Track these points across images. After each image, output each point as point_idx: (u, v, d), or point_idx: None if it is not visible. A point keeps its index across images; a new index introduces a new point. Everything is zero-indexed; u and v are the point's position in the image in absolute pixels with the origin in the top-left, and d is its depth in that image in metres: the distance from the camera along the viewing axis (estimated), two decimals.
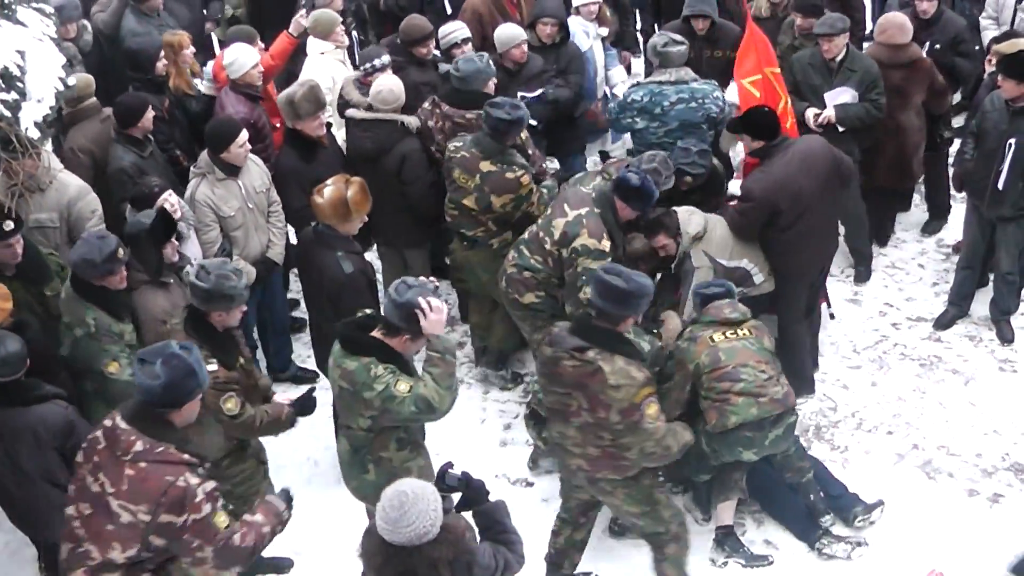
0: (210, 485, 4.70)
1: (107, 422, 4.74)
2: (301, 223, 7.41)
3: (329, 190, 6.51)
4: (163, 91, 8.15)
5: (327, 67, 8.71)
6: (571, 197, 6.92)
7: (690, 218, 7.04)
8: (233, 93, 8.13)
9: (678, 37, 8.10)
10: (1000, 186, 7.77)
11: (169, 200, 6.83)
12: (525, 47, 8.44)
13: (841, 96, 8.36)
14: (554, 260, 6.83)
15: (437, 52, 8.74)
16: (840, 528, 6.72)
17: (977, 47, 9.33)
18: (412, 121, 7.68)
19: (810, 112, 8.39)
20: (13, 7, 6.20)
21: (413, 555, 4.16)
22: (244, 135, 7.23)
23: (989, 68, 8.34)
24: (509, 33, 8.49)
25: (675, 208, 7.11)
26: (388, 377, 5.31)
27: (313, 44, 9.01)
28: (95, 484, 4.68)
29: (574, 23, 9.24)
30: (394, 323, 5.35)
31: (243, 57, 8.15)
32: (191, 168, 7.40)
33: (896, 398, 7.78)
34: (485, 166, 7.31)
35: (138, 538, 4.61)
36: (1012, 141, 7.64)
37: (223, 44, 8.94)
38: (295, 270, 8.18)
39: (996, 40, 8.62)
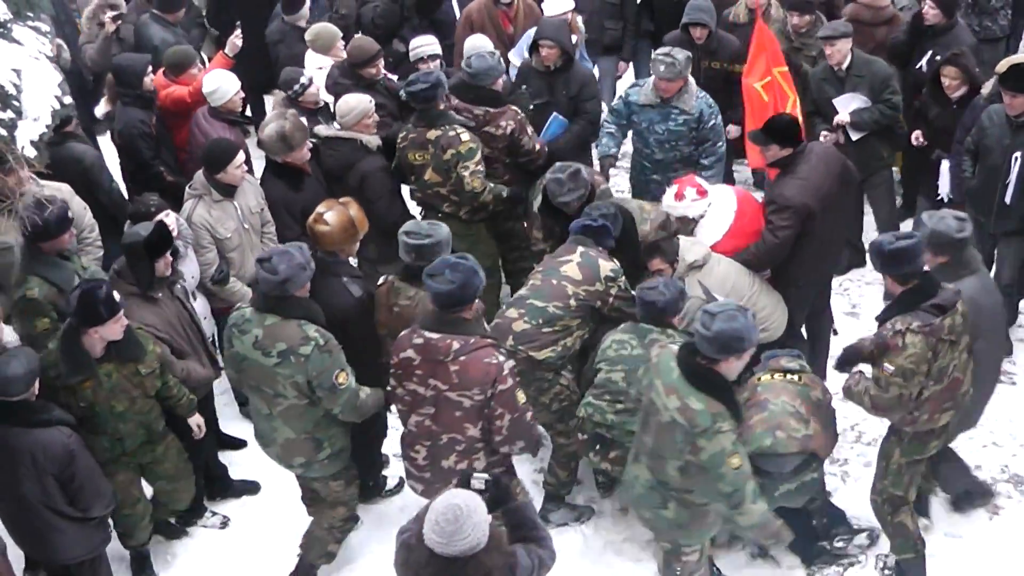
0: (512, 362, 5.67)
1: (416, 340, 5.65)
2: None
3: (332, 215, 6.43)
4: (151, 107, 8.15)
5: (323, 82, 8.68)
6: (557, 253, 6.77)
7: (691, 247, 6.90)
8: (214, 120, 8.06)
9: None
10: (1008, 200, 7.74)
11: (167, 220, 6.80)
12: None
13: (852, 102, 8.38)
14: (579, 300, 6.52)
15: (387, 74, 8.66)
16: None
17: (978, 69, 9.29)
18: (372, 140, 7.69)
19: (823, 133, 8.44)
20: (9, 25, 6.19)
21: (467, 566, 4.20)
22: (241, 156, 7.21)
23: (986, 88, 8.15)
24: (474, 43, 8.52)
25: (682, 236, 7.05)
26: (728, 441, 5.29)
27: (311, 58, 9.03)
28: (427, 390, 5.67)
29: None
30: (712, 356, 5.30)
31: (225, 85, 8.11)
32: (187, 188, 7.33)
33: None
34: (432, 134, 7.51)
35: (480, 415, 5.62)
36: (1018, 155, 7.60)
37: (162, 68, 8.78)
38: None
39: None
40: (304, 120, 7.65)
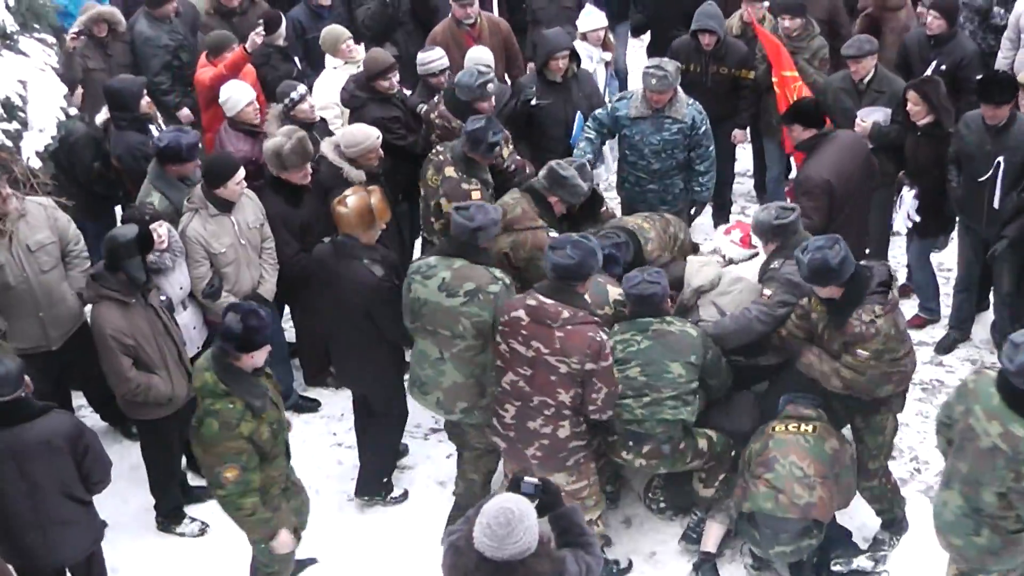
0: (611, 341, 6.11)
1: (530, 301, 5.99)
2: (294, 270, 7.56)
3: (353, 199, 6.70)
4: (147, 131, 8.08)
5: (337, 82, 8.82)
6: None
7: (700, 270, 6.92)
8: (232, 131, 8.15)
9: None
10: (996, 205, 7.79)
11: (159, 230, 6.86)
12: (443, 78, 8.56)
13: (873, 114, 8.45)
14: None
15: (402, 87, 8.68)
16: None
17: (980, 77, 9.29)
18: (354, 175, 7.60)
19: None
20: (15, 37, 6.23)
21: (517, 570, 4.20)
22: (241, 173, 7.17)
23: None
24: (472, 55, 8.67)
25: (691, 257, 7.10)
26: None
27: (328, 60, 9.20)
28: (528, 350, 5.99)
29: (580, 48, 9.39)
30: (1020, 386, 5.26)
31: (236, 95, 8.15)
32: (184, 202, 7.32)
33: (899, 423, 7.75)
34: (449, 171, 7.54)
35: (573, 382, 5.93)
36: (1000, 159, 7.68)
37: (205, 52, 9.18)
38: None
39: None
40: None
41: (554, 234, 6.94)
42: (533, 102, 8.60)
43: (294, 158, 7.42)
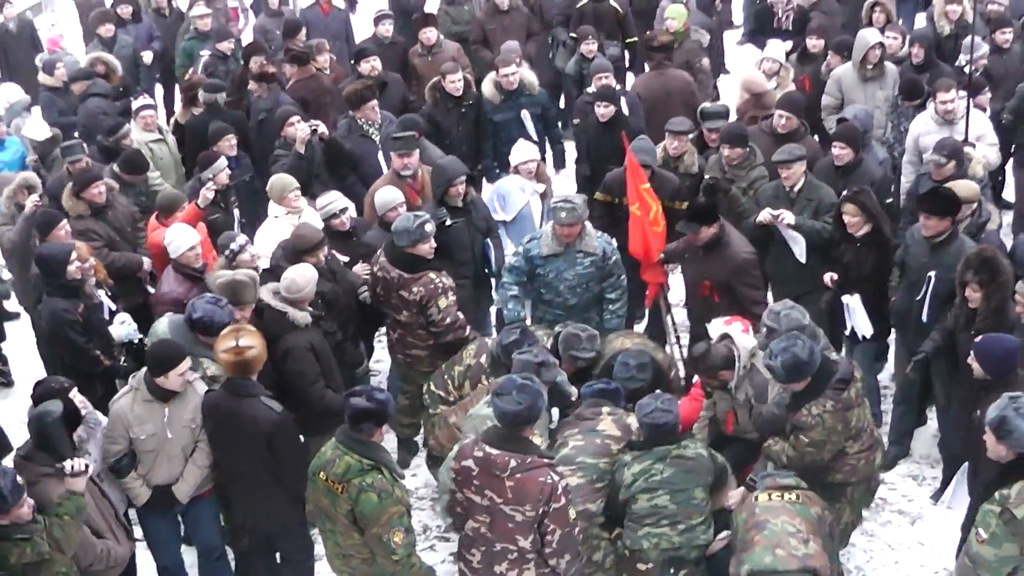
0: (566, 481, 6.03)
1: (477, 452, 5.97)
2: None
3: (247, 339, 6.73)
4: (77, 295, 7.93)
5: (279, 232, 8.85)
6: (581, 415, 6.98)
7: (744, 337, 7.25)
8: (174, 272, 8.18)
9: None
10: (924, 319, 7.89)
11: (77, 397, 6.73)
12: (403, 209, 8.60)
13: (794, 243, 8.68)
14: (615, 457, 6.77)
15: (335, 253, 8.58)
16: None
17: (890, 199, 9.53)
18: (300, 318, 7.54)
19: (764, 214, 8.67)
20: None
21: None
22: (186, 363, 6.86)
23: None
24: (384, 198, 8.79)
25: (721, 340, 7.27)
26: None
27: (271, 207, 9.19)
28: (483, 499, 5.99)
29: (511, 181, 9.58)
30: None
31: (179, 239, 8.18)
32: (130, 377, 7.10)
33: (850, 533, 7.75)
34: (483, 358, 7.65)
35: (531, 529, 5.94)
36: (932, 274, 7.79)
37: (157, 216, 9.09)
38: None
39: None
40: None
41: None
42: (448, 223, 8.66)
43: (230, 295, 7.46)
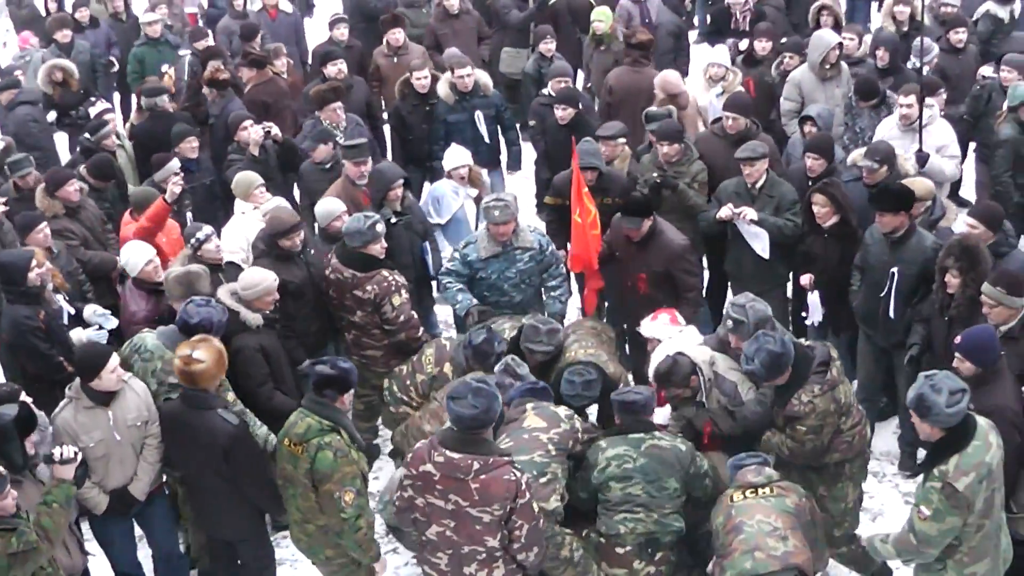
0: (527, 476, 6.03)
1: (437, 457, 5.94)
2: None
3: (201, 352, 6.66)
4: (39, 302, 7.84)
5: (245, 227, 8.87)
6: (509, 417, 6.80)
7: (698, 349, 7.21)
8: (135, 289, 8.04)
9: None
10: (891, 315, 7.96)
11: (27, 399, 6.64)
12: (346, 218, 8.50)
13: (755, 240, 8.70)
14: (555, 444, 6.62)
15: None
16: None
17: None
18: (251, 319, 7.56)
19: (725, 210, 8.70)
20: None
21: None
22: (115, 360, 6.81)
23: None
24: (325, 208, 8.75)
25: (679, 353, 7.15)
26: None
27: (237, 204, 9.17)
28: (448, 504, 5.97)
29: (445, 184, 9.63)
30: None
31: (135, 257, 8.02)
32: (67, 389, 6.98)
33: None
34: (447, 368, 7.66)
35: (499, 527, 5.96)
36: (894, 270, 7.86)
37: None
38: None
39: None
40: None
41: None
42: (393, 220, 8.68)
43: (178, 289, 7.42)
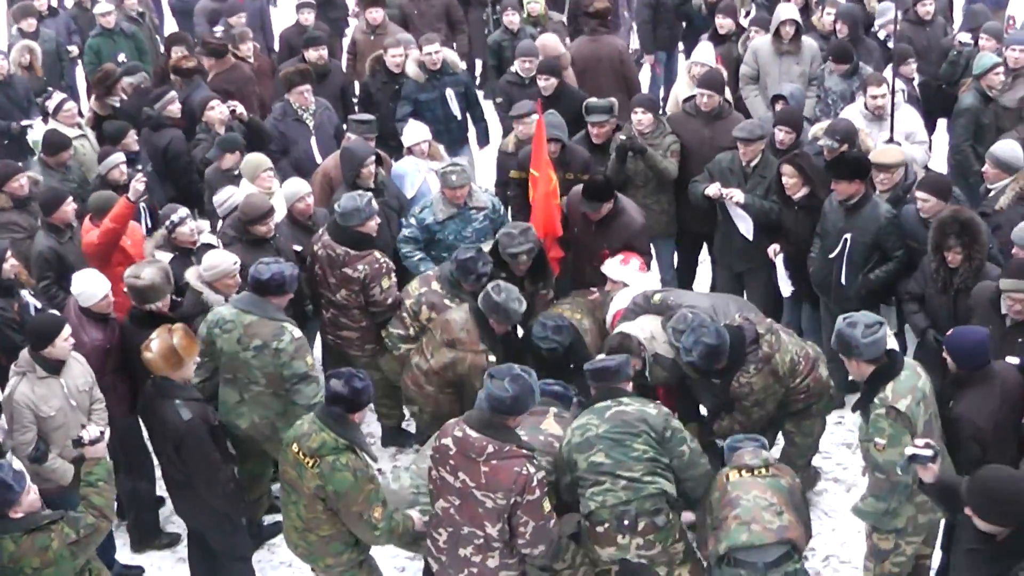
0: (542, 474, 5.99)
1: (457, 432, 5.95)
2: None
3: (156, 343, 6.63)
4: (12, 294, 7.76)
5: None
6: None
7: (636, 325, 7.35)
8: (85, 318, 7.51)
9: None
10: (843, 281, 8.00)
11: None
12: (310, 200, 8.67)
13: (740, 222, 8.72)
14: None
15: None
16: None
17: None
18: (213, 299, 7.56)
19: (713, 188, 8.67)
20: None
21: None
22: (67, 330, 6.82)
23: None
24: (291, 189, 8.71)
25: (624, 331, 7.29)
26: None
27: (244, 184, 9.07)
28: (456, 480, 5.97)
29: (407, 162, 9.58)
30: None
31: (90, 288, 7.50)
32: (12, 366, 6.96)
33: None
34: (435, 285, 7.93)
35: (499, 517, 5.92)
36: (847, 237, 7.91)
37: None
38: None
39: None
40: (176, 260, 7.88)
41: (492, 358, 7.32)
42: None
43: (152, 293, 7.30)
